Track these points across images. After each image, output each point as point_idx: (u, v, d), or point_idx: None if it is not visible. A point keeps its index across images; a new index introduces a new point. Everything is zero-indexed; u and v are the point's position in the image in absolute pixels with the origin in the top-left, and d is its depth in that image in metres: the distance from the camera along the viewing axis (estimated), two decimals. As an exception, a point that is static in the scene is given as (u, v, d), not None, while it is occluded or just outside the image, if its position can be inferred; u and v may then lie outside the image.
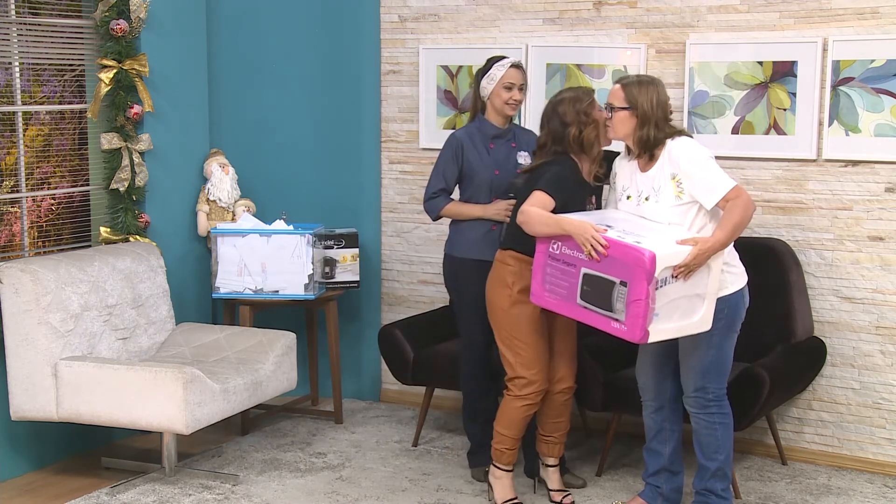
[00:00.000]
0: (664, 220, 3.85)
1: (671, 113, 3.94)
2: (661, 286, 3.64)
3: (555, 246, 3.88)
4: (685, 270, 3.69)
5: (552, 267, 3.89)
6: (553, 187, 3.99)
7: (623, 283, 3.64)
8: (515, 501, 4.31)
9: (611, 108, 3.92)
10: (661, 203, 3.86)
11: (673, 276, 3.68)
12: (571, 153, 4.09)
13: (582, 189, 4.10)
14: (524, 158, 4.48)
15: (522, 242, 4.10)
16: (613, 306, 3.68)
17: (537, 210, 3.95)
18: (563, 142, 4.08)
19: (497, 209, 4.43)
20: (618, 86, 3.93)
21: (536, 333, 4.18)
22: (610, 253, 3.68)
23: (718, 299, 3.83)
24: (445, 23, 5.49)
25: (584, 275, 3.77)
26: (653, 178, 3.90)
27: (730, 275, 3.89)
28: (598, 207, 4.19)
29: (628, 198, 3.99)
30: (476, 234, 4.48)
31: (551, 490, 4.42)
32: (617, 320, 3.68)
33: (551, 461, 4.43)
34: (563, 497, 4.39)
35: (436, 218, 4.61)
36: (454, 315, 4.69)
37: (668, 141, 3.87)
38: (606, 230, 3.76)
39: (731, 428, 4.02)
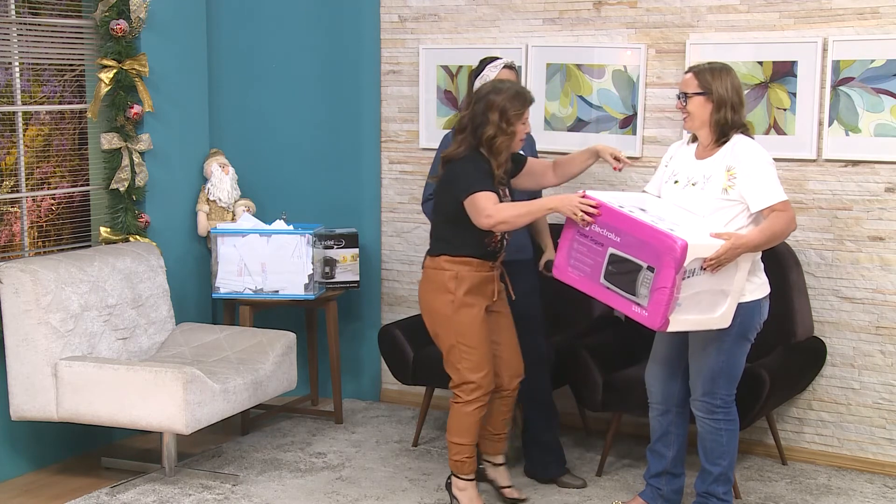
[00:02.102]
0: (703, 211, 3.83)
1: (745, 101, 3.92)
2: (688, 276, 3.61)
3: None
4: (715, 263, 3.66)
5: (580, 243, 3.83)
6: (481, 182, 3.95)
7: (650, 269, 3.59)
8: None
9: (684, 96, 3.90)
10: (706, 192, 3.84)
11: (702, 269, 3.65)
12: (481, 148, 4.04)
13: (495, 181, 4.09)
14: None
15: (453, 245, 4.07)
16: (637, 291, 3.64)
17: (506, 206, 3.91)
18: (476, 134, 4.03)
19: None
20: (690, 74, 3.92)
21: (482, 335, 4.11)
22: (641, 236, 3.63)
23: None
24: (445, 23, 5.49)
25: (611, 255, 3.71)
26: (707, 165, 3.88)
27: (749, 283, 3.85)
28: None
29: (675, 182, 3.97)
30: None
31: (502, 487, 4.41)
32: (639, 305, 3.64)
33: (500, 459, 4.43)
34: (516, 492, 4.40)
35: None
36: None
37: (736, 135, 3.86)
38: (589, 197, 3.76)
39: (737, 434, 4.00)
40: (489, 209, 3.89)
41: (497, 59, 4.47)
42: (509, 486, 4.42)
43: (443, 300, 4.09)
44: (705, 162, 3.89)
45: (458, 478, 4.25)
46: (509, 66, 4.43)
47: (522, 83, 4.62)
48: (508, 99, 3.97)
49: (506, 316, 4.28)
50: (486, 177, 3.99)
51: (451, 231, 4.08)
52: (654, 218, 3.70)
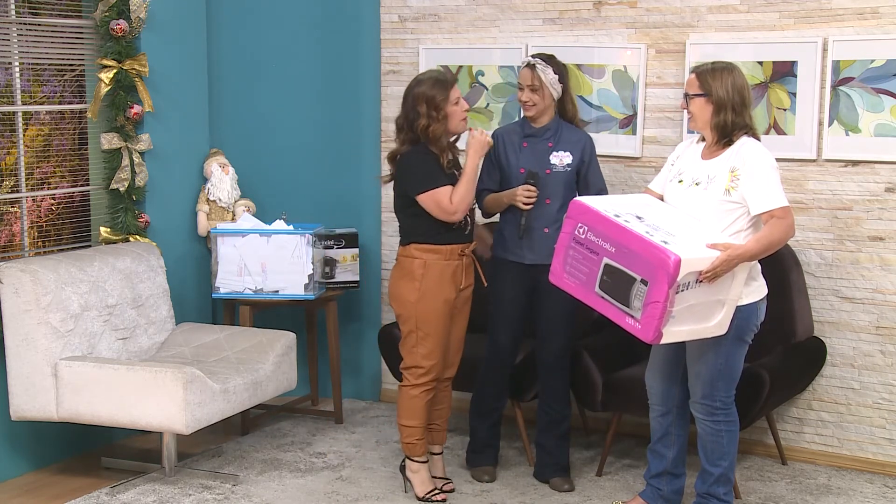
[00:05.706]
0: (705, 211, 3.82)
1: (751, 99, 3.90)
2: (682, 290, 3.58)
3: (581, 230, 3.79)
4: (711, 276, 3.63)
5: (575, 250, 3.81)
6: (431, 177, 4.12)
7: (644, 282, 3.57)
8: (437, 491, 4.36)
9: (686, 96, 3.91)
10: (708, 192, 3.83)
11: (697, 281, 3.62)
12: (423, 140, 4.19)
13: (445, 171, 4.21)
14: (559, 159, 4.43)
15: (423, 233, 4.19)
16: (631, 303, 3.62)
17: (456, 191, 4.10)
18: (413, 129, 4.18)
19: (512, 193, 4.38)
20: (693, 74, 3.92)
21: (441, 324, 4.24)
22: (635, 248, 3.60)
23: None
24: (445, 23, 5.49)
25: (606, 265, 3.69)
26: (711, 166, 3.87)
27: (746, 287, 3.83)
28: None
29: (680, 181, 3.96)
30: (510, 235, 4.47)
31: (435, 477, 4.46)
32: (632, 317, 3.62)
33: (437, 449, 4.50)
34: (444, 484, 4.44)
35: (485, 213, 4.58)
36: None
37: (743, 137, 3.85)
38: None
39: (737, 435, 4.00)
40: (449, 205, 4.11)
41: (531, 56, 4.45)
42: (440, 478, 4.47)
43: (409, 287, 4.23)
44: (710, 162, 3.89)
45: (412, 460, 4.37)
46: (529, 66, 4.38)
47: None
48: (430, 87, 4.16)
49: (466, 308, 4.38)
50: (435, 170, 4.14)
51: (415, 221, 4.22)
52: (650, 228, 3.66)
